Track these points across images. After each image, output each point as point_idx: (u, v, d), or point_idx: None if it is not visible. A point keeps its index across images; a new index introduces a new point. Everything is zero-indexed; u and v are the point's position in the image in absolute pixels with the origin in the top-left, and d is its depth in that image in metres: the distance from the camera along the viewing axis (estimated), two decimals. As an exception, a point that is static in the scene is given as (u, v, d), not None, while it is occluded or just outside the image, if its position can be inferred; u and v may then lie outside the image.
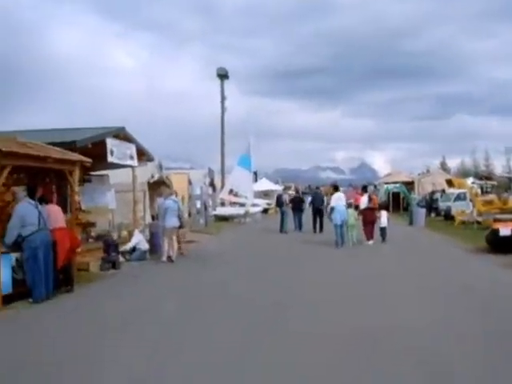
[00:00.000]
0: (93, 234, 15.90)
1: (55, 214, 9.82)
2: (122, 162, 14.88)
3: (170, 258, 14.00)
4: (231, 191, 30.59)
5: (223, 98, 39.10)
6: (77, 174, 12.27)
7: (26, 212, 8.99)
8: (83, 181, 16.27)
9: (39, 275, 8.95)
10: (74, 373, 5.60)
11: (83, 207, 16.04)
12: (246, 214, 32.00)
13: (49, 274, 9.18)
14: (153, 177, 21.57)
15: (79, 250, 11.78)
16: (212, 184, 34.27)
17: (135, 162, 15.85)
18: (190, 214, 26.05)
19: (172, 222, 14.07)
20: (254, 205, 32.73)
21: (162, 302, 9.10)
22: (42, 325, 7.78)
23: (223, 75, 39.34)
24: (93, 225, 16.46)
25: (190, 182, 26.94)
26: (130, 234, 15.32)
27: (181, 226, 14.71)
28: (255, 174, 39.58)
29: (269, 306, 8.56)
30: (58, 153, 10.39)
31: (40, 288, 8.96)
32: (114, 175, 17.60)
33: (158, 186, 21.28)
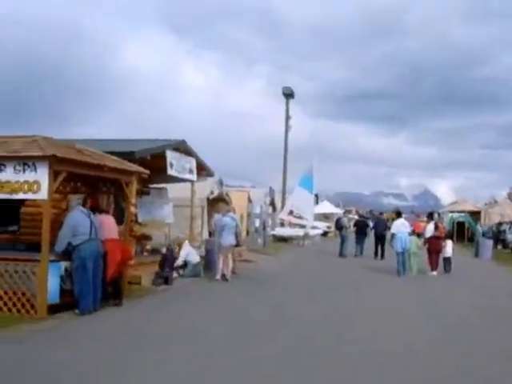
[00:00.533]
0: (148, 247, 15.67)
1: (108, 225, 9.55)
2: (181, 176, 14.60)
3: (224, 277, 13.53)
4: (291, 212, 30.14)
5: (288, 117, 38.70)
6: (134, 185, 12.05)
7: (77, 221, 8.75)
8: (141, 193, 16.17)
9: (87, 286, 8.64)
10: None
11: (140, 220, 15.88)
12: (306, 236, 31.29)
13: (97, 286, 8.87)
14: (212, 193, 21.28)
15: (131, 262, 11.49)
16: (272, 203, 33.76)
17: (194, 177, 15.57)
18: (248, 233, 25.59)
19: (228, 239, 13.62)
20: (313, 227, 32.04)
21: (212, 322, 8.58)
22: (84, 337, 7.40)
23: (288, 94, 38.98)
24: (148, 238, 16.26)
25: (249, 200, 26.52)
26: (180, 247, 14.94)
27: (237, 245, 14.21)
28: (316, 196, 38.83)
29: (325, 334, 7.90)
30: (114, 162, 10.15)
31: (87, 299, 8.65)
32: (173, 189, 17.40)
33: (217, 203, 21.01)
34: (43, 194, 8.28)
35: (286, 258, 22.36)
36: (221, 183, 22.80)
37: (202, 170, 16.62)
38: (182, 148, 14.64)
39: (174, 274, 13.51)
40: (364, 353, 6.95)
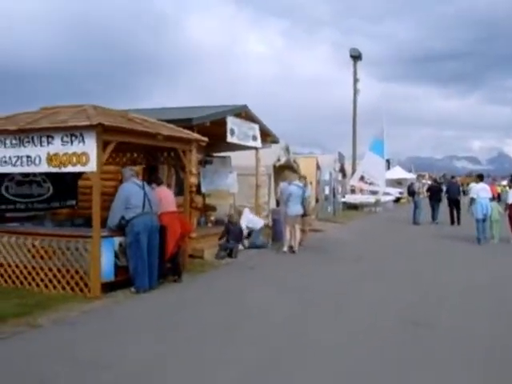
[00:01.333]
0: (212, 218, 15.14)
1: (166, 197, 8.96)
2: (243, 143, 13.85)
3: (291, 249, 12.80)
4: (362, 178, 28.89)
5: (355, 80, 37.03)
6: (193, 154, 11.44)
7: (130, 193, 8.18)
8: (204, 162, 15.58)
9: (142, 263, 8.10)
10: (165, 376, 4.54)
11: (203, 190, 15.34)
12: (377, 203, 30.06)
13: (153, 262, 8.32)
14: (279, 160, 20.45)
15: (192, 235, 10.94)
16: (342, 170, 32.54)
17: (258, 143, 14.78)
18: (317, 201, 24.67)
19: (295, 209, 12.81)
20: (385, 193, 30.67)
21: (275, 303, 7.85)
22: (138, 319, 6.85)
23: (356, 56, 37.22)
24: (212, 209, 15.72)
25: (318, 167, 25.45)
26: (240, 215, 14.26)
27: (304, 214, 13.39)
28: (388, 161, 37.22)
29: (402, 319, 6.99)
30: (169, 130, 9.51)
31: (143, 277, 8.12)
32: (238, 157, 16.71)
33: (283, 170, 20.18)
34: (92, 165, 7.73)
35: (357, 227, 21.39)
36: (287, 150, 21.94)
37: (267, 136, 15.81)
38: (244, 114, 13.83)
39: (240, 247, 12.90)
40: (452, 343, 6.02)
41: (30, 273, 8.24)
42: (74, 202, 11.21)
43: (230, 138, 12.96)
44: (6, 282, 8.46)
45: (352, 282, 9.46)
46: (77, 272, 7.94)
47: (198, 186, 15.28)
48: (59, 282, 8.06)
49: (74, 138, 7.85)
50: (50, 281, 8.13)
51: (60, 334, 6.14)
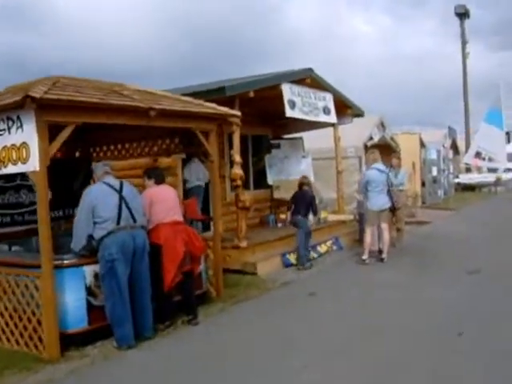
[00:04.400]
0: (283, 216, 12.21)
1: (165, 201, 6.12)
2: (310, 118, 10.74)
3: (379, 255, 9.56)
4: (478, 154, 24.46)
5: (464, 41, 32.15)
6: (235, 136, 8.71)
7: (97, 200, 5.42)
8: (269, 147, 12.71)
9: (122, 303, 5.34)
10: None
11: (270, 181, 12.48)
12: (498, 182, 25.53)
13: (142, 300, 5.56)
14: (371, 138, 17.03)
15: (243, 244, 8.22)
16: (454, 146, 28.16)
17: (333, 118, 11.59)
18: (423, 184, 20.86)
19: (378, 201, 9.43)
20: (507, 169, 25.96)
21: (339, 358, 4.81)
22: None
23: (462, 13, 32.31)
24: (283, 204, 12.83)
25: (422, 145, 21.57)
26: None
27: (394, 208, 9.86)
28: (507, 133, 32.09)
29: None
30: (175, 103, 6.70)
31: (124, 324, 5.37)
32: (318, 138, 13.65)
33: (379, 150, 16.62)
34: (33, 163, 5.09)
35: (474, 214, 17.43)
36: (382, 125, 18.40)
37: (346, 108, 12.57)
38: (310, 80, 10.69)
39: (312, 253, 9.89)
40: None
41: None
42: (72, 211, 8.56)
43: (289, 112, 9.94)
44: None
45: (469, 327, 6.09)
46: (29, 320, 5.37)
47: (261, 177, 12.48)
48: (12, 333, 5.55)
49: (10, 123, 5.27)
50: (3, 331, 5.65)
51: None
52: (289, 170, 12.58)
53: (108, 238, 5.30)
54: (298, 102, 10.12)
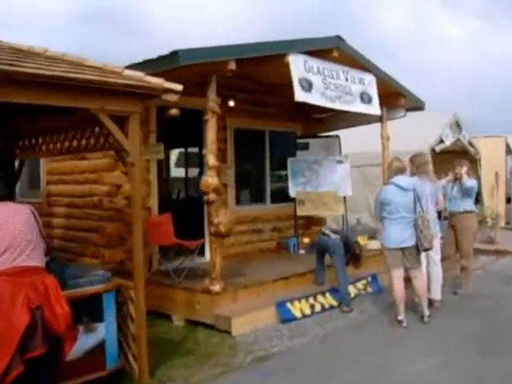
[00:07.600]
0: (306, 240, 9.22)
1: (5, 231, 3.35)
2: (337, 106, 7.61)
3: (421, 313, 6.29)
4: None
5: None
6: (209, 125, 5.98)
7: None
8: (295, 147, 9.79)
9: None
10: None
11: (293, 194, 9.54)
12: None
13: None
14: (442, 141, 13.50)
15: (215, 288, 5.44)
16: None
17: (375, 108, 8.38)
18: (508, 201, 16.95)
19: (393, 235, 6.09)
20: None
21: None
22: None
23: None
24: (314, 223, 9.91)
25: (509, 151, 17.67)
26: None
27: (423, 248, 6.04)
28: None
29: None
30: (57, 65, 3.96)
31: None
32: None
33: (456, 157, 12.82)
34: None
35: None
36: (458, 126, 14.78)
37: (398, 97, 9.25)
38: (337, 53, 7.55)
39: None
40: None
41: None
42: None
43: (302, 96, 6.86)
44: None
45: None
46: None
47: (282, 187, 9.52)
48: None
49: None
50: None
51: None
52: (318, 178, 9.54)
53: None
54: (316, 83, 7.06)
